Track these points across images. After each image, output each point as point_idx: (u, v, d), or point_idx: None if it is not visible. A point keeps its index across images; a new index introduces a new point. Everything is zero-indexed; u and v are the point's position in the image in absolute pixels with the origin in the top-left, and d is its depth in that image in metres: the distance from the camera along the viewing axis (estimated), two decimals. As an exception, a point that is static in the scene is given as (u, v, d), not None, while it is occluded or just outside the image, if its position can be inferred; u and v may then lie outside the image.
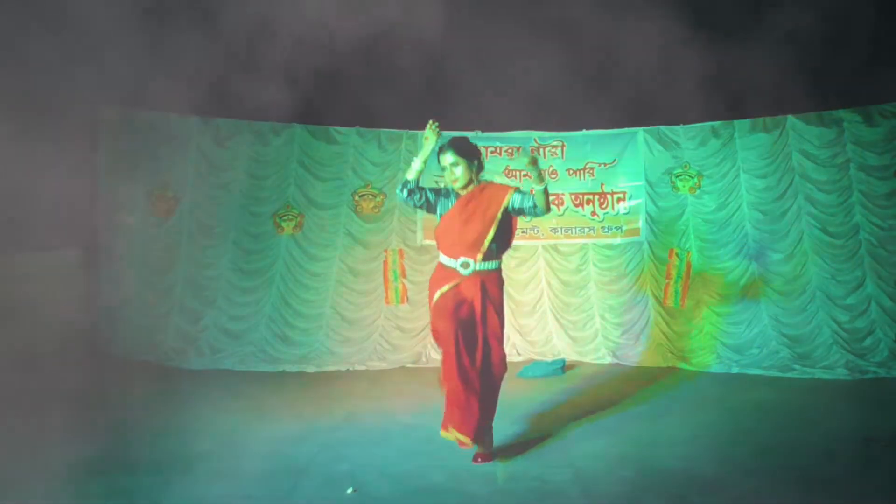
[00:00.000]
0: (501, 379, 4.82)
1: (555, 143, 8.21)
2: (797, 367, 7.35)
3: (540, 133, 8.25)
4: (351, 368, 7.76)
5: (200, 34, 6.40)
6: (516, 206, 4.70)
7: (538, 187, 4.58)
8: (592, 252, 8.23)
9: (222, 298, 7.99)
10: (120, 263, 7.85)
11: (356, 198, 8.16)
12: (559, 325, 8.24)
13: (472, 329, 4.64)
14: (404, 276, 8.15)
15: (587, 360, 8.09)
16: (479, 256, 4.66)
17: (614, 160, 8.11)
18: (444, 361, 4.66)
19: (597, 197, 8.16)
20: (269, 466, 4.74)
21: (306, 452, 5.00)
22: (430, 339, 8.08)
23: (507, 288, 8.07)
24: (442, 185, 4.99)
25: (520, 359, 8.05)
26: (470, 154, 4.76)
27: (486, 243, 4.64)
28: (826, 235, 7.62)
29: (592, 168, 8.16)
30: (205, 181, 7.96)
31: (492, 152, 8.21)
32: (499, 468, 4.65)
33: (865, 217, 7.55)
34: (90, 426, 5.44)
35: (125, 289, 7.83)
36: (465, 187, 4.75)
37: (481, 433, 4.65)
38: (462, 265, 4.66)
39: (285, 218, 8.06)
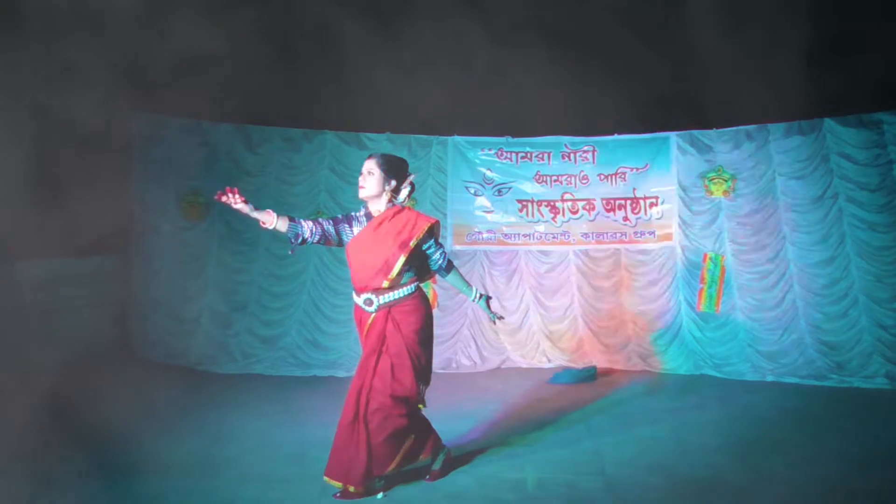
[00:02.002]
0: (416, 404, 4.51)
1: (586, 148, 8.15)
2: (834, 375, 7.22)
3: (570, 138, 8.20)
4: None
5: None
6: (426, 249, 4.44)
7: (473, 297, 4.69)
8: (624, 257, 8.14)
9: (254, 303, 8.05)
10: (153, 268, 7.97)
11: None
12: (590, 331, 8.16)
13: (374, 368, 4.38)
14: (434, 281, 8.14)
15: (619, 367, 8.01)
16: (386, 284, 4.30)
17: (646, 164, 8.03)
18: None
19: (629, 202, 8.08)
20: (298, 471, 4.77)
21: None
22: (460, 345, 8.10)
23: (537, 294, 8.23)
24: (352, 212, 4.56)
25: (550, 366, 8.01)
26: (390, 170, 4.38)
27: (396, 270, 4.28)
28: (870, 237, 7.41)
29: (624, 173, 8.08)
30: (236, 187, 7.96)
31: (522, 157, 8.19)
32: (529, 475, 4.62)
33: None
34: (122, 429, 5.47)
35: (158, 293, 7.94)
36: (372, 200, 4.39)
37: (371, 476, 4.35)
38: (365, 302, 4.34)
39: (316, 223, 8.08)
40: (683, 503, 4.20)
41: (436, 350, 7.87)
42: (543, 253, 8.19)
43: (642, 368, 7.93)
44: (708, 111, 7.76)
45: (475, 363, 8.05)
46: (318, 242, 4.39)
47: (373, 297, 4.31)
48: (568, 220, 8.15)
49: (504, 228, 8.18)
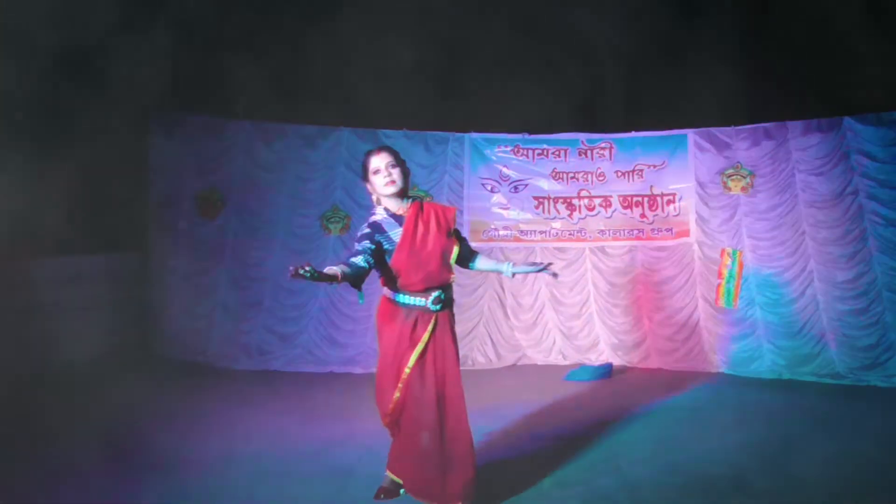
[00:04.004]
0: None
1: (603, 145, 8.17)
2: (852, 374, 7.22)
3: (587, 135, 8.24)
4: None
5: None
6: (459, 235, 4.33)
7: (510, 270, 4.46)
8: (641, 254, 8.16)
9: (270, 300, 8.11)
10: (170, 265, 8.04)
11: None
12: (606, 328, 8.20)
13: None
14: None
15: (634, 364, 8.06)
16: (453, 278, 4.23)
17: (663, 162, 8.04)
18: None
19: (646, 199, 8.08)
20: (315, 468, 4.83)
21: (352, 454, 5.08)
22: (476, 342, 8.13)
23: (553, 290, 8.27)
24: (372, 220, 4.16)
25: (566, 363, 8.06)
26: (404, 163, 4.22)
27: (454, 261, 4.19)
28: (892, 233, 7.36)
29: (641, 170, 8.09)
30: (252, 183, 8.09)
31: (538, 154, 8.23)
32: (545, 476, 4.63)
33: None
34: (141, 425, 5.58)
35: (175, 290, 8.01)
36: (400, 198, 4.17)
37: None
38: (434, 301, 4.09)
39: (332, 220, 8.15)
40: (701, 502, 4.23)
41: (452, 347, 8.01)
42: (560, 250, 8.21)
43: (658, 366, 7.96)
44: (726, 108, 7.75)
45: (491, 360, 8.08)
46: (373, 267, 4.02)
47: (442, 293, 4.14)
48: (584, 217, 8.18)
49: (521, 225, 8.22)
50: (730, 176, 7.87)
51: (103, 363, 7.11)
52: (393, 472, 4.30)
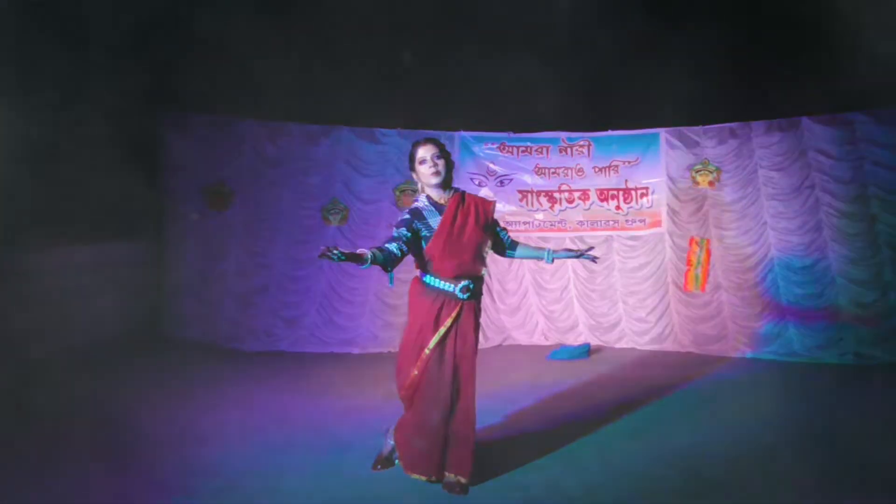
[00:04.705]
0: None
1: (582, 143, 8.71)
2: (808, 352, 7.81)
3: (568, 133, 8.75)
4: (392, 351, 8.23)
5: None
6: (498, 230, 4.50)
7: (550, 256, 4.60)
8: (616, 242, 8.69)
9: (275, 286, 8.54)
10: (181, 253, 8.49)
11: (397, 193, 8.68)
12: (584, 311, 8.75)
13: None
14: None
15: (611, 344, 8.62)
16: (484, 271, 4.38)
17: (637, 158, 8.58)
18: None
19: (621, 192, 8.62)
20: (316, 441, 5.16)
21: (350, 428, 5.43)
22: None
23: (535, 276, 8.80)
24: (415, 206, 4.32)
25: (548, 343, 8.62)
26: (449, 155, 4.38)
27: (486, 254, 4.35)
28: (844, 224, 7.87)
29: (617, 165, 8.63)
30: (259, 178, 8.54)
31: (522, 151, 8.74)
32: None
33: (882, 208, 7.77)
34: (154, 401, 5.98)
35: (186, 277, 8.47)
36: (442, 188, 4.31)
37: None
38: (462, 290, 4.23)
39: (332, 212, 8.61)
40: (665, 466, 4.69)
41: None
42: (542, 239, 8.66)
43: (632, 346, 8.55)
44: (695, 109, 8.32)
45: (479, 341, 8.58)
46: (406, 253, 4.12)
47: (471, 283, 4.25)
48: (564, 209, 8.70)
49: (506, 216, 8.64)
50: (698, 171, 8.40)
51: (119, 344, 7.57)
52: (395, 442, 4.48)
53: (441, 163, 4.24)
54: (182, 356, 7.63)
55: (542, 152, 8.76)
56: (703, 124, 8.45)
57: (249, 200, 8.57)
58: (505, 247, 4.59)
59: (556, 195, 8.72)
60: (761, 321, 8.13)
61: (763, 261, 8.19)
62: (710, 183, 8.38)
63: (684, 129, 8.51)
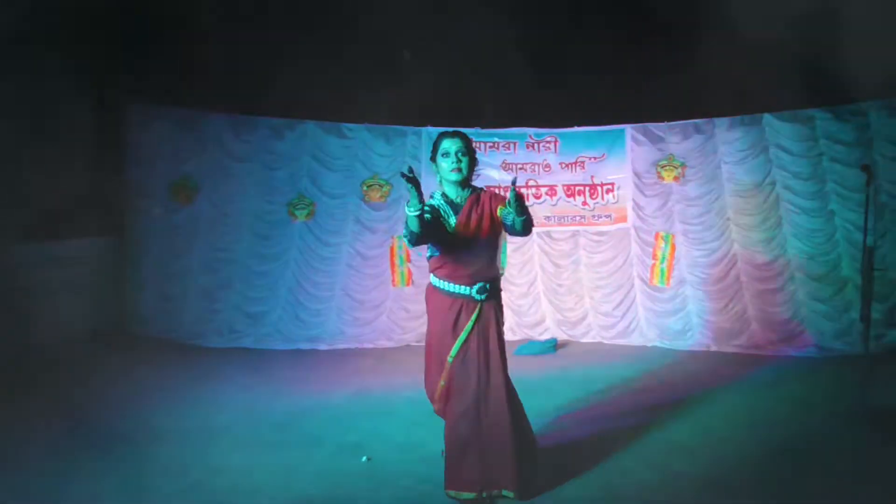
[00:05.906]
0: None
1: (549, 139, 8.75)
2: (770, 346, 7.93)
3: (535, 129, 8.78)
4: (360, 346, 8.35)
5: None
6: (504, 219, 4.05)
7: (518, 218, 3.85)
8: (583, 238, 8.76)
9: (240, 281, 8.47)
10: (145, 249, 8.40)
11: (364, 188, 8.65)
12: (551, 305, 8.81)
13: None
14: (409, 260, 8.66)
15: (577, 338, 8.68)
16: (502, 272, 4.23)
17: (603, 154, 8.64)
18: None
19: (587, 188, 8.69)
20: (284, 437, 5.14)
21: (319, 424, 5.43)
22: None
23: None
24: (432, 203, 4.12)
25: (515, 338, 8.61)
26: (474, 153, 4.18)
27: (502, 254, 4.20)
28: (804, 220, 8.02)
29: (583, 161, 8.68)
30: (223, 172, 8.46)
31: (490, 147, 8.74)
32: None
33: (841, 204, 7.91)
34: (119, 399, 5.92)
35: (149, 272, 8.38)
36: (461, 186, 4.13)
37: None
38: (479, 291, 4.06)
39: (299, 206, 8.54)
40: (631, 458, 4.80)
41: (410, 325, 8.60)
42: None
43: (599, 340, 8.63)
44: (660, 106, 8.41)
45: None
46: (432, 228, 3.93)
47: (488, 285, 4.10)
48: (532, 205, 8.67)
49: None
50: (663, 167, 8.51)
51: (83, 342, 7.45)
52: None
53: (465, 160, 4.06)
54: (146, 353, 7.56)
55: (509, 148, 8.78)
56: (668, 120, 8.54)
57: (214, 195, 8.49)
58: (511, 229, 4.09)
59: (524, 191, 8.75)
60: (724, 315, 8.23)
61: (726, 256, 8.30)
62: (676, 178, 8.48)
63: (650, 125, 8.59)
